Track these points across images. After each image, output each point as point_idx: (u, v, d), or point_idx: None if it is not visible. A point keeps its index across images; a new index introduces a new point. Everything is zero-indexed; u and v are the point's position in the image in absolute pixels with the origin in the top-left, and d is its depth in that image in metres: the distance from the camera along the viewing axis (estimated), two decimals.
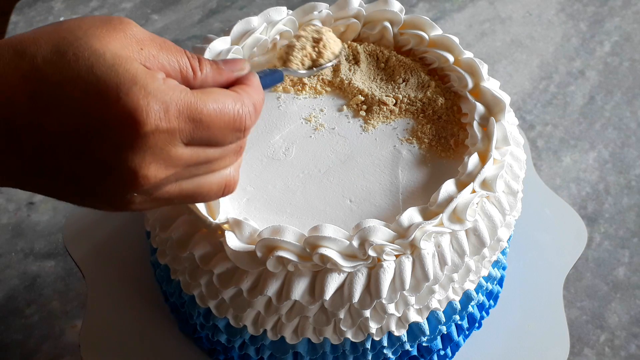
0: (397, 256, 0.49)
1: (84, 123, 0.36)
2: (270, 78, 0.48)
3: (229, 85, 0.42)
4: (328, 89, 0.61)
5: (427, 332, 0.55)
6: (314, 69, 0.54)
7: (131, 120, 0.36)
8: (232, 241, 0.48)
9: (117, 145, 0.36)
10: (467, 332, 0.61)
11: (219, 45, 0.59)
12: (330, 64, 0.54)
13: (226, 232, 0.49)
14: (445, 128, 0.58)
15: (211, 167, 0.41)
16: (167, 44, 0.40)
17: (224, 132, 0.40)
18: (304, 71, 0.54)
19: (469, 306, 0.57)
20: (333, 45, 0.55)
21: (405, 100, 0.59)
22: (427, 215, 0.50)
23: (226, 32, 0.61)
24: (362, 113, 0.59)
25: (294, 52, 0.54)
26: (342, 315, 0.50)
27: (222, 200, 0.50)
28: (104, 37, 0.38)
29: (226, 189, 0.43)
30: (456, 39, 0.61)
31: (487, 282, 0.59)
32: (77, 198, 0.39)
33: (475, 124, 0.56)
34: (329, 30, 0.57)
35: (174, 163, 0.38)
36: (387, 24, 0.63)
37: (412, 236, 0.48)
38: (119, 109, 0.36)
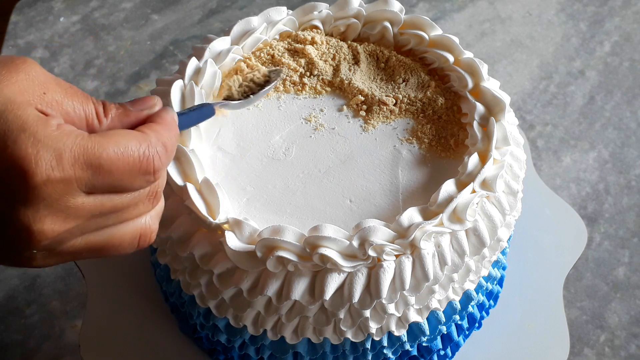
0: (397, 256, 0.49)
1: None
2: (198, 113, 0.45)
3: (140, 125, 0.39)
4: (328, 89, 0.61)
5: (427, 332, 0.55)
6: (251, 96, 0.53)
7: (20, 171, 0.33)
8: (232, 241, 0.48)
9: (7, 198, 0.34)
10: (467, 332, 0.61)
11: (219, 45, 0.59)
12: (266, 89, 0.53)
13: (226, 232, 0.49)
14: (445, 128, 0.58)
15: (122, 216, 0.38)
16: (73, 90, 0.37)
17: (129, 176, 0.36)
18: (237, 102, 0.52)
19: (469, 306, 0.57)
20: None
21: (405, 100, 0.59)
22: (427, 215, 0.50)
23: (226, 32, 0.61)
24: (362, 113, 0.59)
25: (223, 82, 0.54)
26: (342, 315, 0.50)
27: (222, 200, 0.50)
28: (2, 79, 0.35)
29: (141, 240, 0.40)
30: (456, 39, 0.61)
31: (487, 282, 0.59)
32: None
33: (475, 124, 0.56)
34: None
35: (75, 215, 0.35)
36: (387, 24, 0.63)
37: (412, 236, 0.48)
38: (6, 159, 0.33)
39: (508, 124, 0.56)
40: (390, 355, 0.55)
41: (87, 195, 0.36)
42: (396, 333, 0.54)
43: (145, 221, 0.39)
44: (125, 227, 0.39)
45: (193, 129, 0.53)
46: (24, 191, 0.34)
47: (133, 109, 0.39)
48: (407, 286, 0.49)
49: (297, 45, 0.62)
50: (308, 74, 0.61)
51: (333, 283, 0.48)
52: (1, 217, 0.34)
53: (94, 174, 0.35)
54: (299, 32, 0.63)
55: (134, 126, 0.39)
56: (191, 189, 0.50)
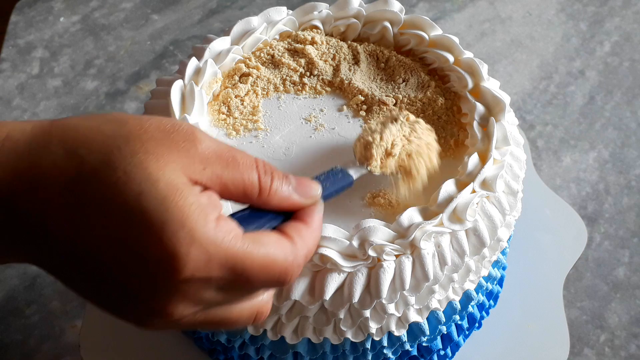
0: (397, 256, 0.49)
1: (117, 250, 0.33)
2: (339, 185, 0.44)
3: (291, 209, 0.40)
4: (328, 89, 0.61)
5: (427, 332, 0.55)
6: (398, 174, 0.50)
7: (168, 266, 0.33)
8: None
9: (147, 283, 0.34)
10: (467, 332, 0.61)
11: (219, 45, 0.59)
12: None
13: None
14: (445, 128, 0.58)
15: (243, 299, 0.39)
16: (236, 161, 0.37)
17: (265, 284, 0.37)
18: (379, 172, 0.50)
19: (469, 306, 0.57)
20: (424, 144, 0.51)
21: (405, 100, 0.59)
22: (427, 215, 0.50)
23: (226, 32, 0.61)
24: (362, 113, 0.59)
25: (373, 149, 0.50)
26: (342, 315, 0.50)
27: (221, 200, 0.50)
28: (162, 156, 0.34)
29: (258, 316, 0.40)
30: (456, 39, 0.61)
31: (487, 282, 0.59)
32: (99, 305, 0.37)
33: (475, 124, 0.56)
34: (417, 122, 0.53)
35: (204, 303, 0.36)
36: (387, 24, 0.63)
37: (412, 236, 0.48)
38: (157, 251, 0.33)
39: (508, 124, 0.56)
40: (390, 355, 0.55)
41: (219, 291, 0.36)
42: (396, 333, 0.54)
43: (262, 299, 0.40)
44: (244, 305, 0.39)
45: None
46: (165, 283, 0.34)
47: (298, 195, 0.39)
48: (407, 286, 0.49)
49: (297, 45, 0.62)
50: (308, 74, 0.61)
51: (333, 283, 0.48)
52: (137, 295, 0.34)
53: (235, 279, 0.36)
54: (299, 32, 0.63)
55: (287, 210, 0.40)
56: None
